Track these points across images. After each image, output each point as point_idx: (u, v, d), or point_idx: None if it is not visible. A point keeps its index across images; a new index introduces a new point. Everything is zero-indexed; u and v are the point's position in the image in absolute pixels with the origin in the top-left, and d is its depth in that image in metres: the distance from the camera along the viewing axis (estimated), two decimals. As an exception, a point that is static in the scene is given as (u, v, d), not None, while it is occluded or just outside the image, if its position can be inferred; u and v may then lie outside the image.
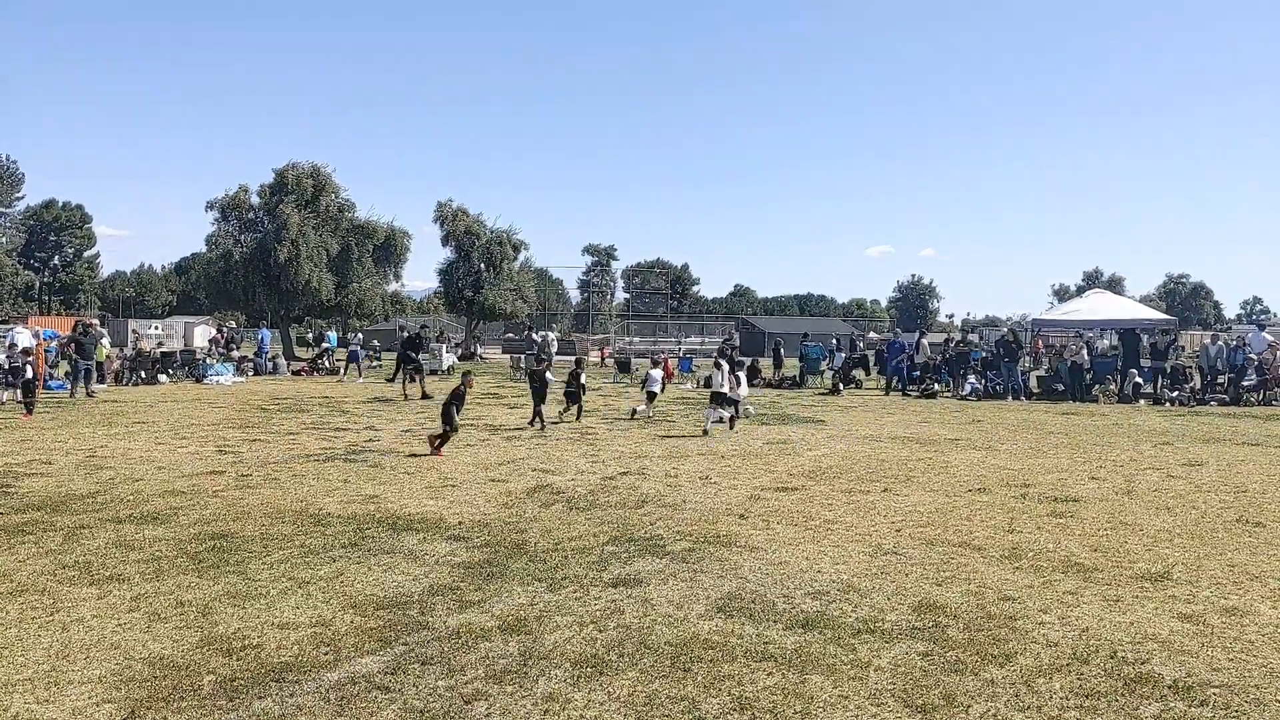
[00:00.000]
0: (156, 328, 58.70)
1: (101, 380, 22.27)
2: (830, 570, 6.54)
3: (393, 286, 50.51)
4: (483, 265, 47.80)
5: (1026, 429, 15.95)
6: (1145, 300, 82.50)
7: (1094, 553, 7.10)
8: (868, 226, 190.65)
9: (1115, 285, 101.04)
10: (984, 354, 24.48)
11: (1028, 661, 4.80)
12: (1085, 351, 23.25)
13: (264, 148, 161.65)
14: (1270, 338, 23.29)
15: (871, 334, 43.50)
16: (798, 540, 7.45)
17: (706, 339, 58.50)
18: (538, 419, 15.31)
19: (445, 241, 48.21)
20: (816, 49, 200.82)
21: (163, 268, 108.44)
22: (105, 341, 23.80)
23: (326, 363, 31.95)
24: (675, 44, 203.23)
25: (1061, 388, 22.69)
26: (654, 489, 9.72)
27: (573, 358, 22.39)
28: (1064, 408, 20.31)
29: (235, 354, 30.53)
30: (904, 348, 25.16)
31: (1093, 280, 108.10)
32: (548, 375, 16.20)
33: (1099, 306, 26.10)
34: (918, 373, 24.36)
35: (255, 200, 41.91)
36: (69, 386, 21.11)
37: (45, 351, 22.66)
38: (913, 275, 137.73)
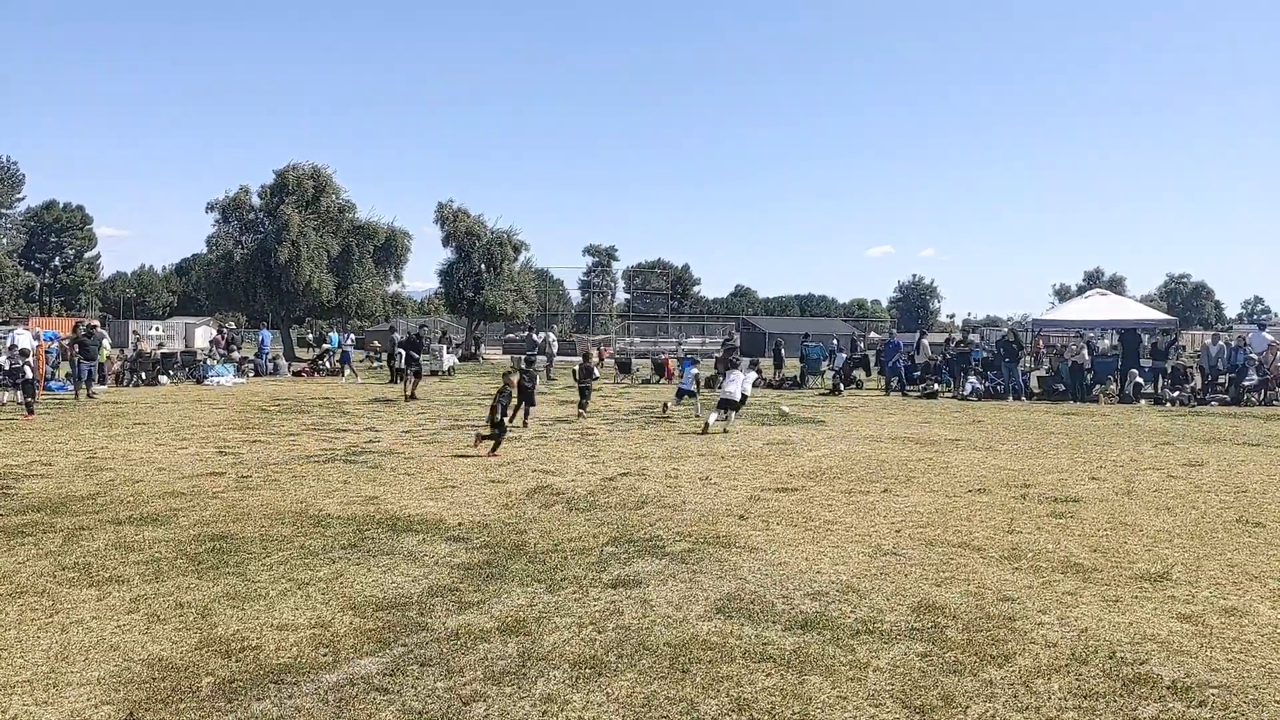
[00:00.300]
0: (157, 329, 58.73)
1: (102, 381, 22.30)
2: (829, 571, 6.54)
3: (393, 287, 50.58)
4: (483, 266, 47.78)
5: (1027, 429, 15.95)
6: (1147, 300, 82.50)
7: (1093, 553, 7.09)
8: (868, 227, 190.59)
9: (1116, 285, 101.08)
10: (985, 354, 24.48)
11: (1026, 662, 4.80)
12: (1086, 351, 23.24)
13: (264, 148, 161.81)
14: (1270, 337, 23.25)
15: (873, 334, 43.51)
16: (797, 541, 7.45)
17: (707, 339, 58.42)
18: (517, 415, 15.61)
19: (446, 242, 48.22)
20: (816, 49, 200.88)
21: (164, 269, 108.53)
22: (106, 343, 23.82)
23: (327, 363, 32.00)
24: (675, 44, 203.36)
25: (1062, 388, 22.67)
26: (654, 490, 9.72)
27: (578, 356, 22.53)
28: (1065, 408, 20.30)
29: (236, 355, 30.57)
30: (899, 347, 25.19)
31: (1094, 280, 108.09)
32: (536, 377, 16.69)
33: (1099, 306, 26.08)
34: (918, 373, 24.37)
35: (256, 201, 41.94)
36: (71, 388, 21.14)
37: (46, 353, 22.68)
38: (913, 275, 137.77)
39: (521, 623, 5.35)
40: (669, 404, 17.99)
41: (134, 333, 38.51)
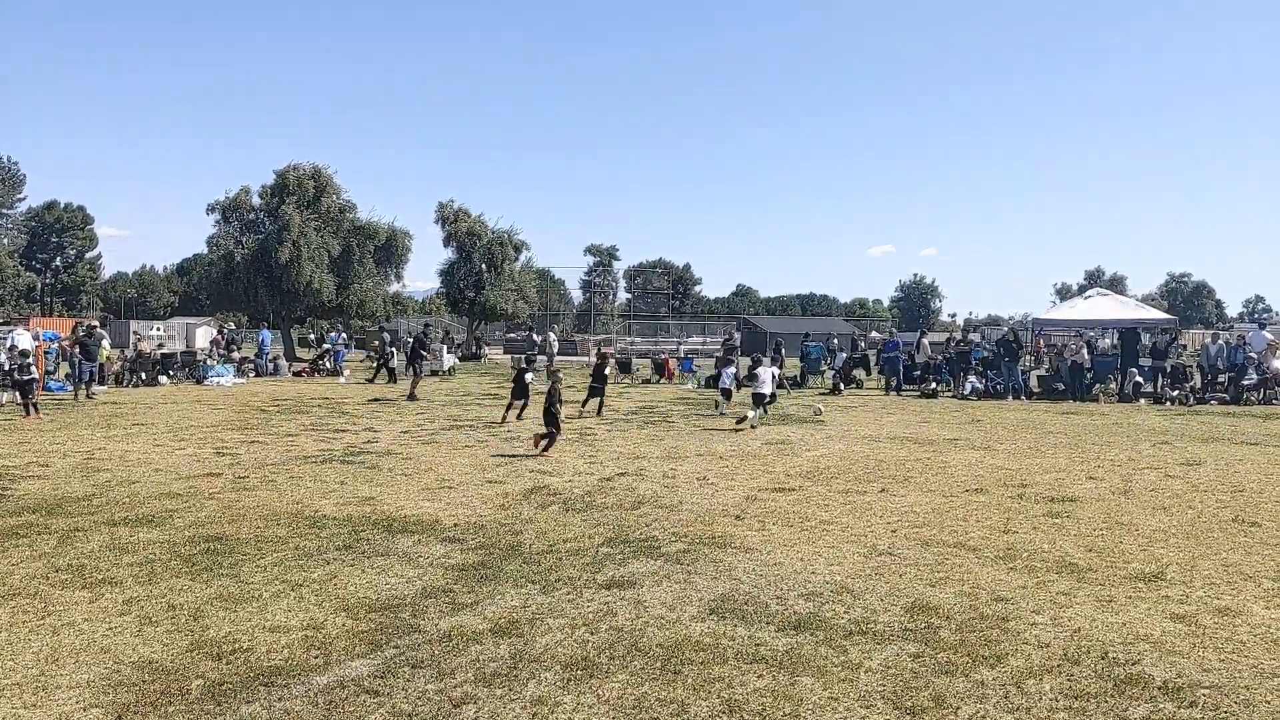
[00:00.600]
0: (158, 329, 58.66)
1: (102, 382, 22.29)
2: (824, 571, 6.54)
3: (394, 287, 50.54)
4: (484, 266, 47.77)
5: (1026, 429, 15.93)
6: (1147, 300, 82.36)
7: (1089, 553, 7.08)
8: (869, 226, 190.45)
9: (1117, 284, 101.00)
10: (985, 353, 24.45)
11: (1018, 663, 4.79)
12: (1086, 351, 23.21)
13: (264, 148, 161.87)
14: (1270, 336, 23.21)
15: (874, 333, 43.47)
16: (793, 541, 7.44)
17: (708, 339, 58.34)
18: (509, 413, 16.35)
19: (447, 242, 48.22)
20: (816, 49, 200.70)
21: (164, 269, 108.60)
22: (106, 343, 23.82)
23: (327, 363, 32.01)
24: (675, 44, 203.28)
25: (1062, 387, 22.64)
26: (651, 490, 9.71)
27: (593, 356, 22.69)
28: (1064, 407, 20.27)
29: (236, 355, 30.57)
30: (898, 346, 25.17)
31: (1094, 279, 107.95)
32: (527, 376, 16.95)
33: (1100, 306, 26.05)
34: (918, 372, 24.34)
35: (256, 201, 41.95)
36: (70, 388, 21.14)
37: (45, 353, 22.68)
38: (914, 275, 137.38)
39: (514, 624, 5.34)
40: (720, 402, 18.02)
41: (134, 333, 38.50)
